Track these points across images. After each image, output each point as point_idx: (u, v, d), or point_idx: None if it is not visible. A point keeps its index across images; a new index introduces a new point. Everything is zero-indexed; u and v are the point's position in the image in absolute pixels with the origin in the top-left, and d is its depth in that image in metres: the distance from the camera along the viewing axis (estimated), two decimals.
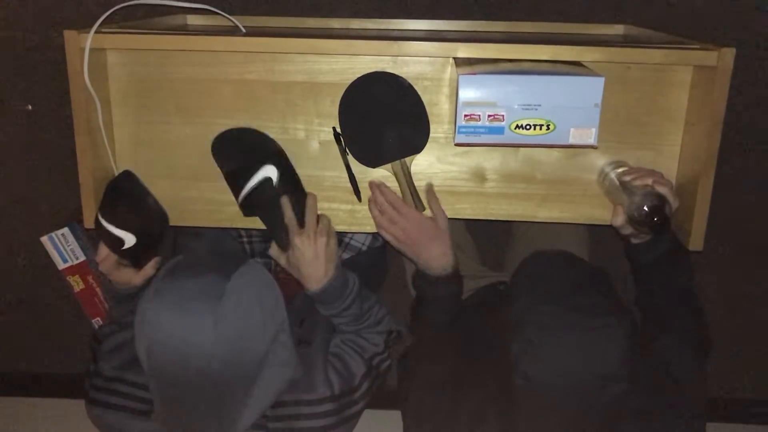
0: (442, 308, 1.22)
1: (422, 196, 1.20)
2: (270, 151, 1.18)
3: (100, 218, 1.16)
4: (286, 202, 1.16)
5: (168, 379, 0.96)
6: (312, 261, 1.15)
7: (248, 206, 1.18)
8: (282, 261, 1.20)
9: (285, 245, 1.18)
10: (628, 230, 1.14)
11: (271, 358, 1.02)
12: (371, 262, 1.51)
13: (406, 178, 1.17)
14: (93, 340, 1.22)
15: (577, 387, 0.89)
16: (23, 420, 2.02)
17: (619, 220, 1.13)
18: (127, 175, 1.20)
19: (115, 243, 1.16)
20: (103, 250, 1.19)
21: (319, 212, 1.20)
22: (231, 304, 0.96)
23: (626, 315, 0.94)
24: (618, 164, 1.17)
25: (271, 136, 1.20)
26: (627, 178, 1.11)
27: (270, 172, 1.15)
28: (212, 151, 1.20)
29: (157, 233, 1.22)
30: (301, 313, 1.24)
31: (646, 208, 1.05)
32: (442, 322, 1.22)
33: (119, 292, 1.22)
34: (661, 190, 1.07)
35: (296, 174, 1.20)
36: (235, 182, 1.18)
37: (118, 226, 1.15)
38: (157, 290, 0.97)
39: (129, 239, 1.16)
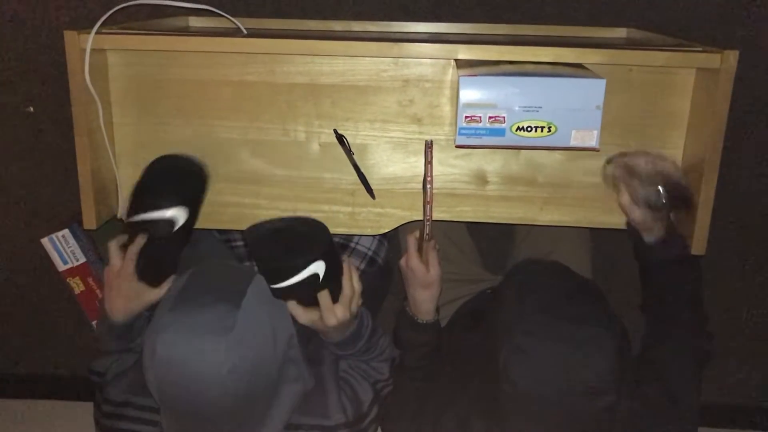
0: (413, 352, 1.22)
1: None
2: (322, 247, 1.05)
3: (135, 216, 1.06)
4: (325, 297, 1.06)
5: (181, 413, 0.93)
6: (339, 327, 1.10)
7: (282, 293, 1.05)
8: (302, 320, 1.08)
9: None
10: (645, 223, 1.11)
11: (283, 377, 1.00)
12: (374, 282, 1.48)
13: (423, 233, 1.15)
14: (94, 375, 1.17)
15: (565, 397, 0.88)
16: (23, 422, 2.01)
17: (625, 198, 1.10)
18: (157, 160, 1.13)
19: (164, 229, 1.06)
20: (117, 261, 1.09)
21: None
22: (243, 336, 0.92)
23: (616, 326, 0.93)
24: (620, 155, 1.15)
25: (273, 136, 1.20)
26: (632, 161, 1.09)
27: (318, 268, 1.04)
28: (248, 241, 1.08)
29: (202, 191, 1.13)
30: (309, 332, 1.20)
31: (660, 188, 1.02)
32: (412, 367, 1.22)
33: (116, 325, 1.12)
34: (664, 166, 1.06)
35: (340, 259, 1.10)
36: (274, 275, 1.04)
37: (164, 207, 1.06)
38: (165, 324, 0.92)
39: (180, 215, 1.06)
